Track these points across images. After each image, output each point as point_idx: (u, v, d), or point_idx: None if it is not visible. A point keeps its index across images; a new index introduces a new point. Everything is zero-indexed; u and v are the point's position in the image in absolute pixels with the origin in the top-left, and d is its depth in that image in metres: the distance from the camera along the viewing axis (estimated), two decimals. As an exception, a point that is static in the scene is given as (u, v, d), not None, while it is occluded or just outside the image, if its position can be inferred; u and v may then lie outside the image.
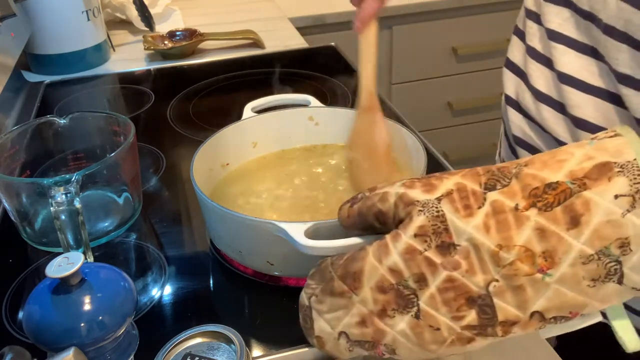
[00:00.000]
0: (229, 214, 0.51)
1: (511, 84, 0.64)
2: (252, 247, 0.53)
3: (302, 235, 0.45)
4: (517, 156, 0.63)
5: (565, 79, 0.53)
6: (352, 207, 0.42)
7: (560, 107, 0.55)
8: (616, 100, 0.50)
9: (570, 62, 0.53)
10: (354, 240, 0.43)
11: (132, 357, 0.41)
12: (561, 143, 0.55)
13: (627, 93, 0.48)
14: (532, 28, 0.60)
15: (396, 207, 0.39)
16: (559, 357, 0.48)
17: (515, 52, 0.64)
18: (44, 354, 0.38)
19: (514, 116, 0.62)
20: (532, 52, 0.59)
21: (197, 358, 0.41)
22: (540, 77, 0.58)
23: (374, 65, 0.57)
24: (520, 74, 0.62)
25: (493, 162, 0.81)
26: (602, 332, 0.38)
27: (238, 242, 0.54)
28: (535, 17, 0.60)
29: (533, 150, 0.60)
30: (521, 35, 0.64)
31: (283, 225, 0.47)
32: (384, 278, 0.38)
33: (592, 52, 0.52)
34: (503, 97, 0.66)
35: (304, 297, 0.43)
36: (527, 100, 0.59)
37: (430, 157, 0.60)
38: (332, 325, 0.41)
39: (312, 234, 0.46)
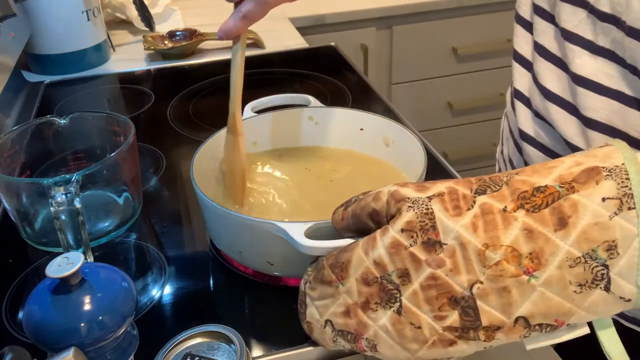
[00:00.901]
0: (229, 214, 0.51)
1: (522, 79, 0.63)
2: (252, 248, 0.53)
3: (302, 236, 0.45)
4: (523, 153, 0.63)
5: (580, 81, 0.53)
6: (346, 210, 0.43)
7: (572, 108, 0.55)
8: (633, 102, 0.50)
9: (585, 64, 0.53)
10: (353, 240, 0.43)
11: (132, 357, 0.41)
12: (570, 144, 0.55)
13: None
14: (541, 25, 0.59)
15: (388, 204, 0.39)
16: (559, 357, 0.49)
17: (522, 43, 0.63)
18: (44, 354, 0.38)
19: (523, 111, 0.62)
20: (541, 50, 0.59)
21: (197, 358, 0.41)
22: (551, 77, 0.57)
23: (241, 82, 0.58)
24: (529, 68, 0.62)
25: (493, 162, 0.81)
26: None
27: (238, 243, 0.54)
28: (546, 15, 0.59)
29: (541, 147, 0.60)
30: (525, 24, 0.62)
31: (283, 225, 0.47)
32: (369, 270, 0.39)
33: (609, 54, 0.51)
34: (510, 91, 0.65)
35: (302, 282, 0.44)
36: (536, 98, 0.59)
37: (430, 157, 0.60)
38: (320, 313, 0.42)
39: (312, 234, 0.46)
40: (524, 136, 0.62)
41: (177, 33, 1.17)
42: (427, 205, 0.37)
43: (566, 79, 0.55)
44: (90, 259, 0.56)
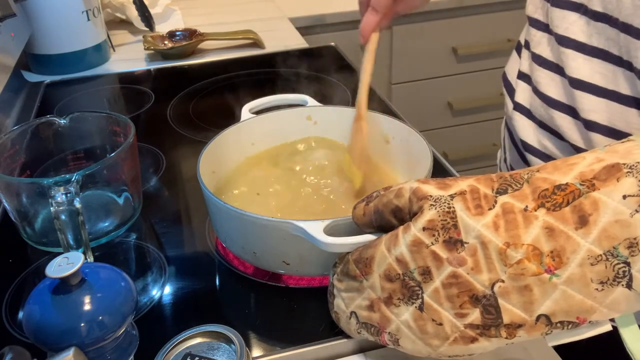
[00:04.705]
0: (245, 215, 0.50)
1: (523, 92, 0.63)
2: (268, 248, 0.52)
3: (321, 233, 0.45)
4: (528, 163, 0.63)
5: (577, 84, 0.53)
6: (367, 205, 0.43)
7: (572, 112, 0.55)
8: (632, 101, 0.50)
9: (580, 66, 0.53)
10: (372, 236, 0.43)
11: (132, 357, 0.41)
12: (576, 148, 0.55)
13: None
14: (537, 36, 0.60)
15: (410, 201, 0.39)
16: (559, 357, 0.48)
17: (512, 65, 0.65)
18: (44, 354, 0.38)
19: (525, 123, 0.62)
20: (539, 60, 0.59)
21: (197, 358, 0.41)
22: (550, 84, 0.58)
23: (369, 76, 0.62)
24: (529, 82, 0.62)
25: (493, 162, 0.81)
26: (602, 333, 0.38)
27: (253, 244, 0.53)
28: (540, 25, 0.60)
29: (546, 157, 0.60)
30: (520, 50, 0.64)
31: (301, 224, 0.47)
32: (392, 267, 0.39)
33: (604, 54, 0.51)
34: (509, 105, 0.66)
35: (330, 273, 0.46)
36: (538, 107, 0.60)
37: (430, 157, 0.60)
38: (346, 304, 0.43)
39: (330, 231, 0.46)
40: (528, 147, 0.62)
41: (177, 33, 1.17)
42: (449, 203, 0.37)
43: (565, 83, 0.56)
44: (90, 259, 0.56)
